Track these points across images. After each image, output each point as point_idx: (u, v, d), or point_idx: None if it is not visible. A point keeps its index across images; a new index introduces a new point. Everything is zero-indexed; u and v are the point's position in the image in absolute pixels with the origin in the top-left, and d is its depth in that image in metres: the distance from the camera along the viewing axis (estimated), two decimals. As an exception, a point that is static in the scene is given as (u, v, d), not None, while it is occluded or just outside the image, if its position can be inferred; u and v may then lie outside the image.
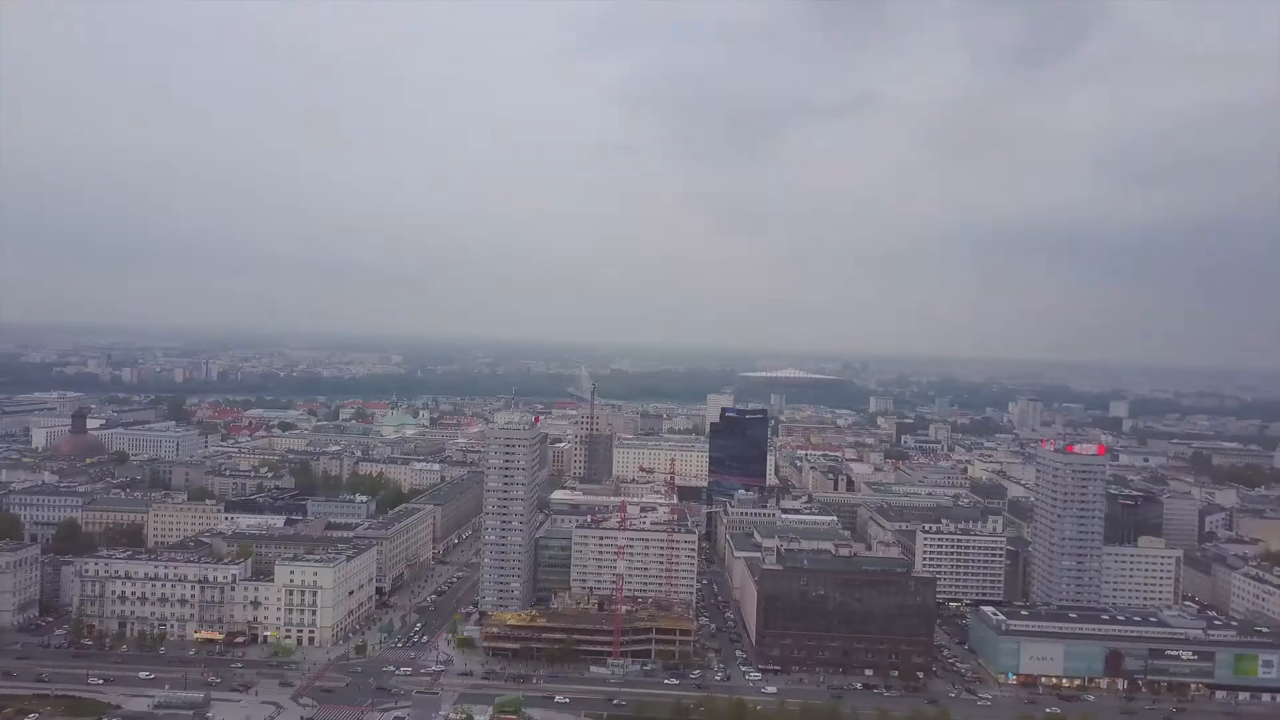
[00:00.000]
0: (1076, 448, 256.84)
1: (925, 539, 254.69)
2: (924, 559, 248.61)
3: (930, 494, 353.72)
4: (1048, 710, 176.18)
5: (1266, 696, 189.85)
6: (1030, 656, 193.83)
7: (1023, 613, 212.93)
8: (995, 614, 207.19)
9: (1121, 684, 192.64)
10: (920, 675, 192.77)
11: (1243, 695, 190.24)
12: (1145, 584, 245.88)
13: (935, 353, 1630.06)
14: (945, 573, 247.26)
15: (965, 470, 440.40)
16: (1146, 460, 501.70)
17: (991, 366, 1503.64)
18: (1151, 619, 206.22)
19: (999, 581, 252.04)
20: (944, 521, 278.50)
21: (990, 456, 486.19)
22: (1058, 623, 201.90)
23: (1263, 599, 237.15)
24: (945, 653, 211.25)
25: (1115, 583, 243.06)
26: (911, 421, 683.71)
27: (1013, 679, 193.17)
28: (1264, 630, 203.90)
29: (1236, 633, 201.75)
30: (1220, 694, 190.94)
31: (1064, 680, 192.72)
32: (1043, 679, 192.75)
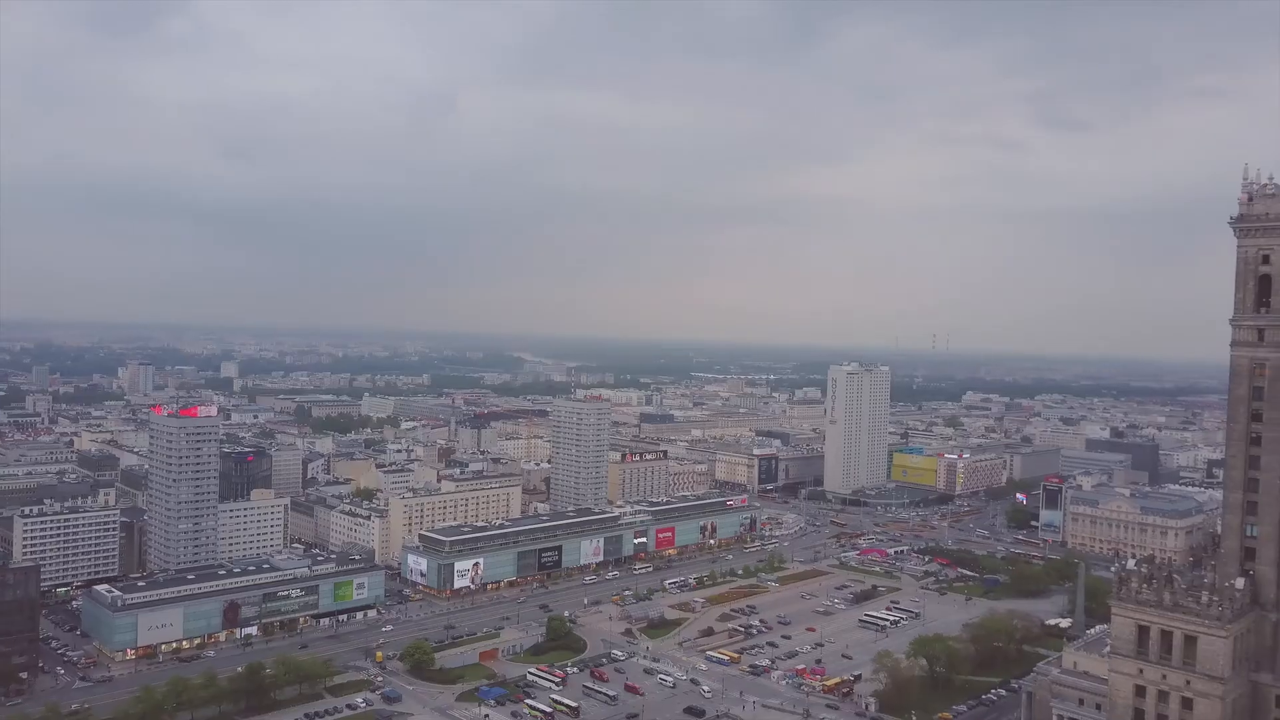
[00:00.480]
0: (191, 410, 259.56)
1: (25, 524, 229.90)
2: (25, 546, 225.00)
3: (30, 473, 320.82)
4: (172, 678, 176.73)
5: (360, 614, 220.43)
6: (148, 627, 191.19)
7: (140, 584, 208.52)
8: (110, 591, 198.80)
9: (239, 632, 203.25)
10: (24, 676, 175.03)
11: (343, 617, 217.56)
12: (259, 534, 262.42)
13: (31, 315, 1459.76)
14: (51, 557, 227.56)
15: (72, 443, 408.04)
16: (256, 416, 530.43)
17: (99, 330, 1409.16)
18: (265, 566, 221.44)
19: (114, 556, 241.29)
20: (48, 502, 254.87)
21: (100, 426, 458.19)
22: (176, 587, 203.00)
23: (355, 530, 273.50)
24: (55, 644, 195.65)
25: (232, 538, 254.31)
26: (4, 394, 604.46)
27: (132, 654, 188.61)
28: (356, 558, 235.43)
29: (336, 564, 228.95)
30: (325, 621, 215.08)
31: (184, 642, 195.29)
32: (162, 646, 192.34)
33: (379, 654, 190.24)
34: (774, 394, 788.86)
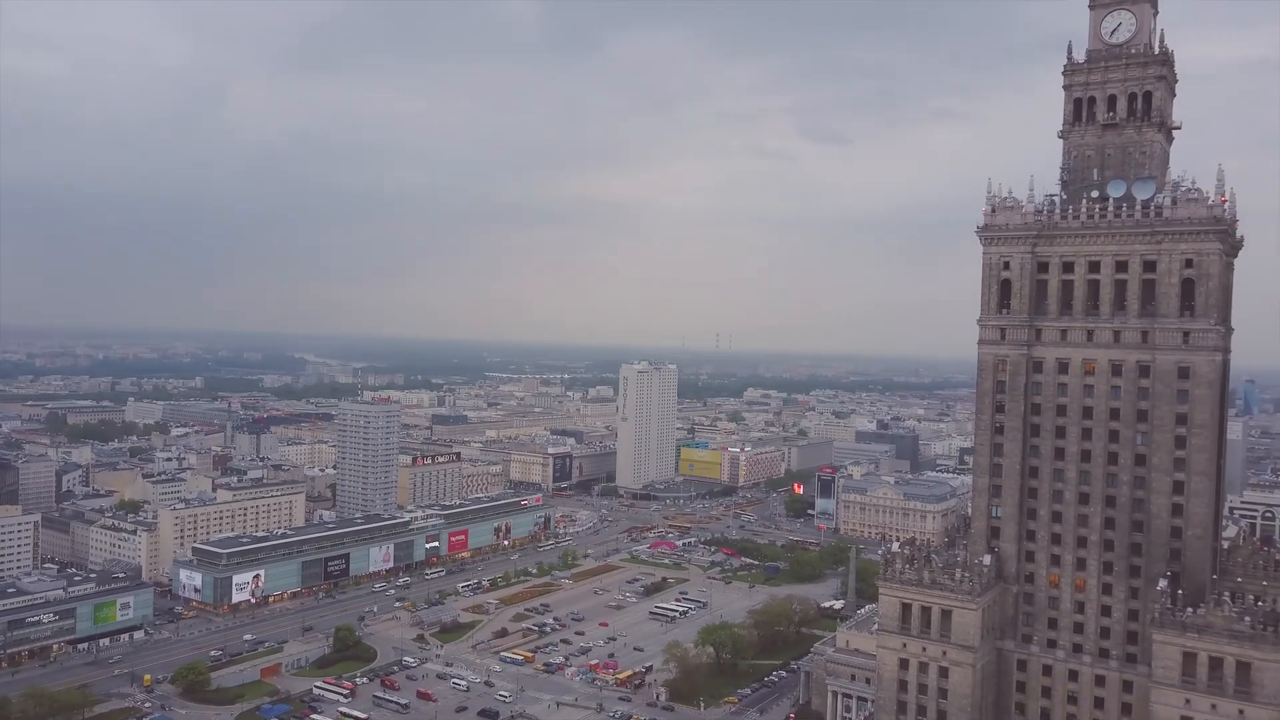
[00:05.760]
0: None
1: None
2: None
3: None
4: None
5: (125, 636, 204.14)
6: None
7: None
8: None
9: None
10: None
11: (105, 641, 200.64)
12: (3, 554, 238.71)
13: None
14: None
15: None
16: (1, 425, 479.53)
17: None
18: (11, 589, 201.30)
19: None
20: None
21: None
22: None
23: (118, 546, 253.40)
24: None
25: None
26: None
27: None
28: (120, 576, 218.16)
29: (96, 584, 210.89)
30: (83, 645, 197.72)
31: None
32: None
33: (147, 678, 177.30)
34: (568, 393, 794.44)
